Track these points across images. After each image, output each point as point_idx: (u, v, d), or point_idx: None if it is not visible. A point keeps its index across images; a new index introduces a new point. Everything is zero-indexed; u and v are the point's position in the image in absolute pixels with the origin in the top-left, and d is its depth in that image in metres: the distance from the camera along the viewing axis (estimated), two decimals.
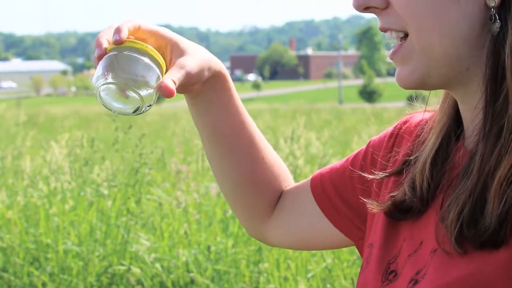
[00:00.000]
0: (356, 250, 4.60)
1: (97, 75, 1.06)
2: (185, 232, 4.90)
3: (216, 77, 1.20)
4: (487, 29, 0.95)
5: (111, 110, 1.07)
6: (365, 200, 1.13)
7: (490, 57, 0.94)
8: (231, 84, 1.24)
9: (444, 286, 0.93)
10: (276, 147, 6.79)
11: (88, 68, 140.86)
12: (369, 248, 1.12)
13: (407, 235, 1.05)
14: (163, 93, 1.04)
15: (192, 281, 4.62)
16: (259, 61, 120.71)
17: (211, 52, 1.20)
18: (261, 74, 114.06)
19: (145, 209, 5.65)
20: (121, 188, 5.80)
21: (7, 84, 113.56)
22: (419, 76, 0.99)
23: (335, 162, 1.29)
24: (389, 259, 1.06)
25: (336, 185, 1.24)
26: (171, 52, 1.12)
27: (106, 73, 1.05)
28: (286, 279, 4.41)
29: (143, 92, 1.05)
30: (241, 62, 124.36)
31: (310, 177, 1.29)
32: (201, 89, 1.20)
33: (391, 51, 1.01)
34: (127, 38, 1.08)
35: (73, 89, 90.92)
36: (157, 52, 1.08)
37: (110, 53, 1.07)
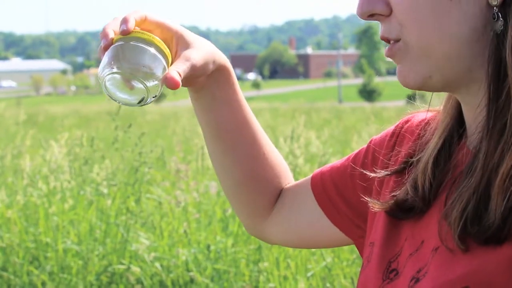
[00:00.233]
0: (356, 249, 4.59)
1: (103, 65, 1.05)
2: (185, 231, 4.89)
3: (220, 71, 1.20)
4: (489, 29, 0.95)
5: (116, 101, 1.07)
6: (366, 199, 1.13)
7: (492, 55, 0.94)
8: (235, 79, 1.24)
9: (446, 283, 0.93)
10: (276, 146, 6.78)
11: (88, 67, 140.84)
12: (370, 247, 1.12)
13: (409, 235, 1.05)
14: (169, 84, 1.04)
15: (192, 280, 4.62)
16: (259, 60, 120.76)
17: None
18: (260, 73, 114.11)
19: (145, 208, 5.65)
20: (121, 187, 5.80)
21: (7, 83, 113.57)
22: (420, 76, 0.99)
23: (335, 161, 1.29)
24: (390, 258, 1.06)
25: (337, 184, 1.24)
26: (177, 44, 1.12)
27: (112, 63, 1.04)
28: (285, 278, 4.41)
29: (149, 83, 1.04)
30: (241, 61, 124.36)
31: (310, 176, 1.29)
32: (205, 82, 1.20)
33: (386, 49, 1.02)
34: (134, 28, 1.08)
35: (73, 88, 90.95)
36: (163, 43, 1.08)
37: (117, 43, 1.06)
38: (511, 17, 0.93)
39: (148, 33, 1.08)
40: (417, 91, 1.08)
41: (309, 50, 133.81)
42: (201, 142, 7.08)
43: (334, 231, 1.25)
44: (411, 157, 1.10)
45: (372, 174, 1.15)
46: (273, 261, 4.53)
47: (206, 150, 6.80)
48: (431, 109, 1.13)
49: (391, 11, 0.99)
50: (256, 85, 74.78)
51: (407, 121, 1.18)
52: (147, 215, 5.46)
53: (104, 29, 1.08)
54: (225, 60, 1.20)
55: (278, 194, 1.32)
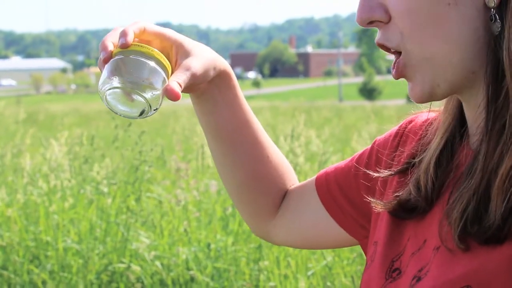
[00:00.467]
0: (356, 248, 4.60)
1: (103, 79, 1.06)
2: (185, 230, 4.89)
3: (221, 76, 1.21)
4: (488, 30, 0.95)
5: (117, 113, 1.08)
6: (369, 199, 1.13)
7: (491, 56, 0.95)
8: (236, 82, 1.24)
9: (447, 283, 0.93)
10: (276, 145, 6.79)
11: (88, 66, 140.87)
12: (373, 246, 1.12)
13: (412, 234, 1.05)
14: (169, 96, 1.05)
15: (192, 279, 4.62)
16: (259, 58, 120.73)
17: None
18: (261, 71, 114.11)
19: (145, 207, 5.64)
20: (121, 186, 5.80)
21: (7, 82, 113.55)
22: (429, 87, 0.99)
23: (335, 160, 1.29)
24: (393, 257, 1.07)
25: (341, 184, 1.24)
26: (176, 54, 1.12)
27: (112, 78, 1.05)
28: (286, 277, 4.41)
29: (149, 96, 1.05)
30: (241, 60, 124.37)
31: (315, 176, 1.29)
32: (206, 88, 1.21)
33: (392, 71, 1.01)
34: (133, 41, 1.08)
35: (73, 87, 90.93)
36: (162, 55, 1.08)
37: (116, 57, 1.07)
38: (508, 18, 0.93)
39: (147, 46, 1.08)
40: None
41: (309, 49, 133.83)
42: (200, 140, 7.08)
43: (339, 232, 1.25)
44: (414, 158, 1.11)
45: (376, 174, 1.15)
46: (274, 260, 4.53)
47: (206, 149, 6.81)
48: (433, 109, 1.14)
49: (390, 18, 0.99)
50: (256, 83, 74.78)
51: (410, 122, 1.18)
52: (147, 214, 5.46)
53: (103, 42, 1.08)
54: (225, 65, 1.20)
55: (282, 195, 1.32)
